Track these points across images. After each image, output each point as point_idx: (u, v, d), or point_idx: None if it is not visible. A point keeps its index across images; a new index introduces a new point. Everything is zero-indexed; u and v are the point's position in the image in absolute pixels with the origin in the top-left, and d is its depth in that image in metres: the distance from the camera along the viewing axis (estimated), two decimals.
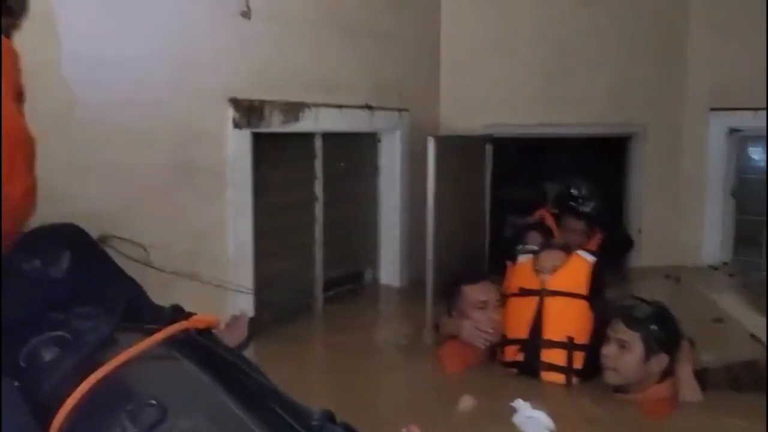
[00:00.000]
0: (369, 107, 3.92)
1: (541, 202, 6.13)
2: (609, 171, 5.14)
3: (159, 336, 1.17)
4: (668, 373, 2.41)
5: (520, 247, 3.42)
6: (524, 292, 2.79)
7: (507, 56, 4.68)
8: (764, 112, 4.46)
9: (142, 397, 0.97)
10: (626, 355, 2.37)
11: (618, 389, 2.44)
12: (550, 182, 6.34)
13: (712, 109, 4.68)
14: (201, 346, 1.23)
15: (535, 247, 3.32)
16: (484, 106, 4.70)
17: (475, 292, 2.81)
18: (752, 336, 3.23)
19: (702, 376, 2.48)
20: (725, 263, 4.75)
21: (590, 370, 2.60)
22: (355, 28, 3.82)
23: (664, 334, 2.38)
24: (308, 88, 3.47)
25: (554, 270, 2.78)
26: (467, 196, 4.43)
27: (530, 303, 2.73)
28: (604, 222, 4.17)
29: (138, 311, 1.39)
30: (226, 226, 3.03)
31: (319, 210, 3.77)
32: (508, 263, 3.35)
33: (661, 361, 2.38)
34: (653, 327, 2.36)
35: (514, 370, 2.72)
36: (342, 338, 3.38)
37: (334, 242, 3.95)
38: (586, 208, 4.05)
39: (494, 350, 2.87)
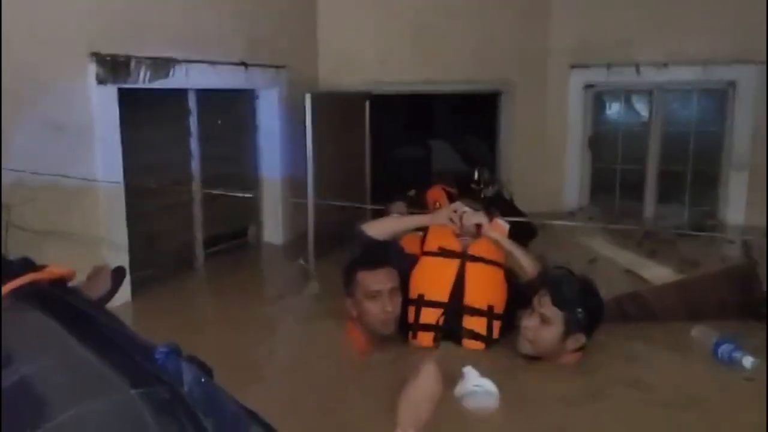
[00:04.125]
0: (244, 64, 3.91)
1: (427, 160, 6.36)
2: (485, 126, 5.42)
3: (7, 288, 1.20)
4: (580, 348, 2.37)
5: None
6: (444, 253, 2.66)
7: (383, 14, 4.78)
8: (616, 67, 4.87)
9: None
10: (546, 330, 2.32)
11: (526, 357, 2.40)
12: (434, 140, 6.61)
13: (572, 66, 5.03)
14: (51, 296, 1.27)
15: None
16: (362, 63, 4.80)
17: (369, 280, 2.50)
18: (627, 271, 3.57)
19: None
20: (581, 208, 5.18)
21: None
22: None
23: (587, 317, 2.31)
24: (179, 44, 3.42)
25: (476, 236, 2.70)
26: (347, 152, 4.55)
27: (451, 265, 2.61)
28: (503, 208, 4.07)
29: None
30: (95, 183, 2.98)
31: (195, 167, 3.75)
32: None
33: (577, 340, 2.34)
34: (578, 309, 2.30)
35: (429, 335, 2.56)
36: (220, 294, 3.45)
37: (214, 200, 3.96)
38: (487, 193, 4.04)
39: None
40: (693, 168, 5.05)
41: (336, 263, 3.73)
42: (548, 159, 5.17)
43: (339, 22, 4.72)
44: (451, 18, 4.83)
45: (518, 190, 5.08)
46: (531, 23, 5.03)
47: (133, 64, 3.08)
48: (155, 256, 3.54)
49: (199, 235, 3.84)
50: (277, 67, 4.23)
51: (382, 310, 2.46)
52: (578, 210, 5.15)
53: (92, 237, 2.99)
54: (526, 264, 2.63)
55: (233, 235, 4.27)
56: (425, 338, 2.56)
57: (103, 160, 3.01)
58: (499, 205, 3.98)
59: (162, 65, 3.28)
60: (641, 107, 5.18)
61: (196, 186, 3.78)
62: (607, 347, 2.49)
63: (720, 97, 4.87)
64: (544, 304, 2.33)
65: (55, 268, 1.37)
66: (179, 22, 3.44)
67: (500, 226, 2.78)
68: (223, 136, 4.08)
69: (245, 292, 3.44)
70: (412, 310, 2.58)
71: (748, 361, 2.34)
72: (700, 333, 2.58)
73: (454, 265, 2.61)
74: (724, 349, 2.41)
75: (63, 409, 0.88)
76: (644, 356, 2.50)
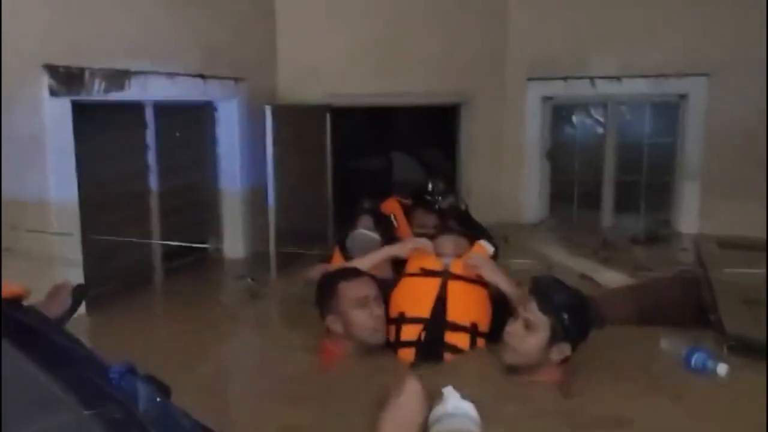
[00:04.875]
0: (202, 76, 3.87)
1: (388, 172, 6.40)
2: (445, 137, 5.48)
3: None
4: (564, 360, 2.26)
5: (351, 232, 3.44)
6: (426, 273, 2.61)
7: (344, 25, 4.80)
8: (572, 81, 4.99)
9: None
10: (530, 337, 2.21)
11: (510, 369, 2.29)
12: (396, 152, 6.65)
13: (529, 79, 5.12)
14: (3, 315, 1.23)
15: (365, 231, 3.39)
16: (323, 75, 4.80)
17: (354, 289, 2.45)
18: (582, 276, 3.63)
19: None
20: (542, 221, 5.27)
21: None
22: None
23: (574, 326, 2.20)
24: (135, 56, 3.37)
25: (457, 256, 2.66)
26: (308, 164, 4.54)
27: (433, 283, 2.56)
28: (459, 219, 4.09)
29: None
30: (48, 197, 2.90)
31: (153, 180, 3.69)
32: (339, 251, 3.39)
33: (562, 350, 2.22)
34: (565, 316, 2.19)
35: (411, 350, 2.47)
36: (178, 310, 3.38)
37: (173, 213, 3.90)
38: (442, 204, 4.05)
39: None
40: (647, 178, 5.18)
41: (297, 275, 3.76)
42: (507, 170, 5.24)
43: (299, 34, 4.72)
44: (410, 31, 4.88)
45: (478, 201, 5.15)
46: (489, 37, 5.12)
47: (87, 75, 3.02)
48: (111, 271, 3.46)
49: (157, 250, 3.77)
50: (236, 79, 4.20)
51: (371, 315, 2.41)
52: (540, 222, 5.21)
53: (45, 253, 2.90)
54: (509, 292, 2.55)
55: (193, 249, 4.20)
56: (406, 354, 2.47)
57: (57, 173, 2.93)
58: (455, 216, 4.05)
59: (117, 77, 3.22)
60: (597, 119, 5.30)
61: (153, 199, 3.71)
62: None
63: (672, 109, 5.02)
64: (530, 309, 2.23)
65: (7, 286, 1.33)
66: (136, 33, 3.39)
67: (483, 249, 2.69)
68: (181, 148, 4.03)
69: (202, 308, 3.37)
70: (392, 328, 2.51)
71: (722, 368, 2.38)
72: (669, 344, 2.61)
73: (435, 283, 2.55)
74: (698, 357, 2.44)
75: (14, 429, 0.87)
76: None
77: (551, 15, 5.04)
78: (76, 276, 2.94)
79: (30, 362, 1.07)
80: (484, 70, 5.13)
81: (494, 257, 2.62)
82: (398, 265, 2.86)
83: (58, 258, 2.96)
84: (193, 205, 4.21)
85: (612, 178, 5.20)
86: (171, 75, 3.61)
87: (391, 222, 3.78)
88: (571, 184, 5.33)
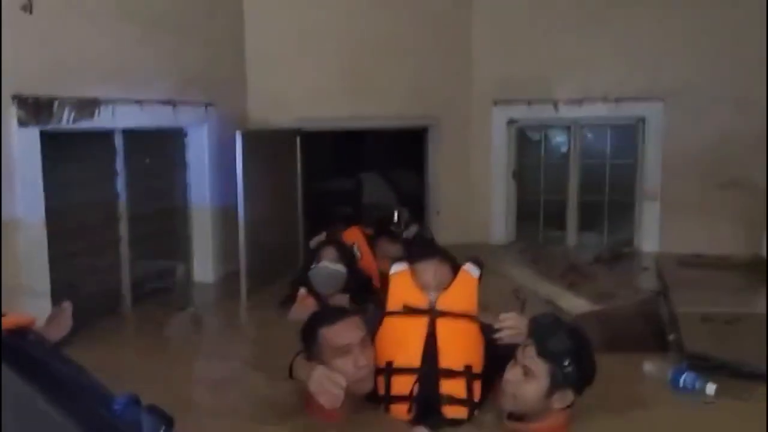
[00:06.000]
0: (172, 102, 3.89)
1: (358, 194, 6.42)
2: (414, 159, 5.57)
3: None
4: (569, 406, 2.13)
5: (313, 265, 3.44)
6: (410, 311, 2.36)
7: (313, 51, 4.87)
8: (536, 104, 5.13)
9: None
10: (529, 384, 2.08)
11: (511, 416, 2.18)
12: (365, 173, 6.71)
13: (495, 102, 5.25)
14: (10, 347, 1.24)
15: (329, 264, 3.36)
16: (293, 100, 4.85)
17: (335, 335, 2.20)
18: (547, 301, 3.70)
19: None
20: (513, 242, 5.37)
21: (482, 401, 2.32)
22: (155, 21, 3.77)
23: (575, 372, 2.06)
24: (105, 83, 3.37)
25: (442, 288, 2.40)
26: (279, 188, 4.57)
27: (419, 324, 2.32)
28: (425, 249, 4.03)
29: None
30: (15, 227, 2.88)
31: (122, 207, 3.68)
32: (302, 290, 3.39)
33: (565, 398, 2.09)
34: (566, 363, 2.05)
35: (404, 406, 2.27)
36: (147, 338, 3.36)
37: (143, 239, 3.88)
38: (407, 234, 4.00)
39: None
40: (609, 198, 5.33)
41: (269, 299, 3.77)
42: (475, 192, 5.34)
43: (268, 59, 4.77)
44: (379, 56, 4.97)
45: (447, 222, 5.25)
46: (455, 62, 5.23)
47: (56, 105, 3.01)
48: (80, 301, 3.41)
49: (126, 278, 3.74)
50: (206, 104, 4.22)
51: (355, 365, 2.17)
52: (508, 244, 5.31)
53: (10, 283, 2.87)
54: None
55: (162, 274, 4.18)
56: (399, 411, 2.28)
57: (24, 202, 2.91)
58: (421, 245, 3.97)
59: (87, 105, 3.22)
60: (561, 141, 5.45)
61: (123, 226, 3.70)
62: None
63: (631, 131, 5.19)
64: (528, 356, 2.09)
65: (14, 317, 1.33)
66: (105, 61, 3.40)
67: (468, 274, 2.45)
68: (151, 174, 4.02)
69: (170, 335, 3.37)
70: (381, 380, 2.30)
71: (711, 388, 2.49)
72: (653, 367, 2.69)
73: (422, 324, 2.31)
74: (687, 378, 2.53)
75: None
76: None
77: (515, 42, 5.18)
78: (44, 307, 2.91)
79: (37, 394, 1.08)
80: (450, 94, 5.23)
81: (479, 279, 2.45)
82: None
83: (25, 288, 2.92)
84: (163, 230, 4.20)
85: (576, 199, 5.34)
86: (141, 102, 3.62)
87: (354, 253, 3.72)
88: (538, 204, 5.45)
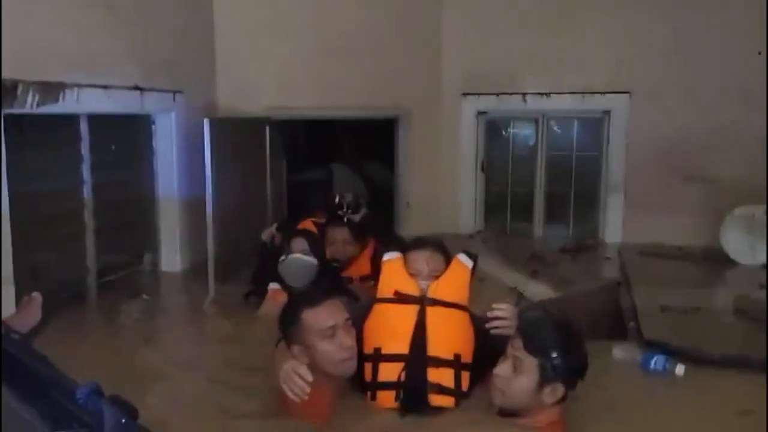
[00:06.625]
0: (139, 88, 3.84)
1: (329, 184, 6.39)
2: (385, 150, 5.59)
3: None
4: (561, 398, 2.10)
5: (283, 257, 3.35)
6: (401, 299, 2.34)
7: (283, 40, 4.84)
8: (505, 96, 5.20)
9: None
10: (518, 378, 2.06)
11: (503, 411, 2.15)
12: (336, 164, 6.70)
13: (464, 94, 5.29)
14: None
15: (301, 255, 3.31)
16: (262, 89, 4.83)
17: (319, 317, 2.19)
18: (511, 289, 3.75)
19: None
20: (479, 231, 5.44)
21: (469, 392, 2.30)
22: (123, 5, 3.71)
23: (565, 365, 2.03)
24: (70, 68, 3.32)
25: (434, 276, 2.39)
26: (248, 177, 4.55)
27: (409, 312, 2.31)
28: (377, 232, 3.94)
29: None
30: None
31: (87, 194, 3.64)
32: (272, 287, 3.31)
33: (555, 392, 2.05)
34: (555, 356, 2.02)
35: (391, 393, 2.25)
36: (111, 327, 3.33)
37: (109, 227, 3.84)
38: (352, 217, 3.88)
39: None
40: (575, 190, 5.43)
41: (236, 289, 3.76)
42: (444, 182, 5.38)
43: (237, 47, 4.73)
44: (349, 46, 4.96)
45: (416, 212, 5.29)
46: (425, 53, 5.25)
47: (20, 89, 2.96)
48: (44, 289, 3.36)
49: (91, 266, 3.70)
50: (173, 92, 4.18)
51: (340, 347, 2.17)
52: (475, 233, 5.38)
53: None
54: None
55: (128, 263, 4.14)
56: (386, 398, 2.26)
57: None
58: (371, 228, 3.90)
59: (51, 90, 3.17)
60: (528, 134, 5.52)
61: (88, 214, 3.65)
62: None
63: (597, 124, 5.29)
64: (517, 349, 2.07)
65: None
66: (71, 45, 3.34)
67: (461, 264, 2.42)
68: (117, 162, 3.98)
69: (134, 325, 3.33)
70: (368, 366, 2.28)
71: (680, 369, 2.60)
72: (623, 351, 2.77)
73: (412, 311, 2.30)
74: (658, 360, 2.63)
75: None
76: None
77: (485, 34, 5.22)
78: (8, 295, 2.88)
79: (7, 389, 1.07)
80: (420, 85, 5.26)
81: (473, 271, 2.41)
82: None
83: None
84: (130, 218, 4.15)
85: (542, 190, 5.42)
86: (107, 87, 3.57)
87: (322, 243, 3.64)
88: (505, 195, 5.53)
